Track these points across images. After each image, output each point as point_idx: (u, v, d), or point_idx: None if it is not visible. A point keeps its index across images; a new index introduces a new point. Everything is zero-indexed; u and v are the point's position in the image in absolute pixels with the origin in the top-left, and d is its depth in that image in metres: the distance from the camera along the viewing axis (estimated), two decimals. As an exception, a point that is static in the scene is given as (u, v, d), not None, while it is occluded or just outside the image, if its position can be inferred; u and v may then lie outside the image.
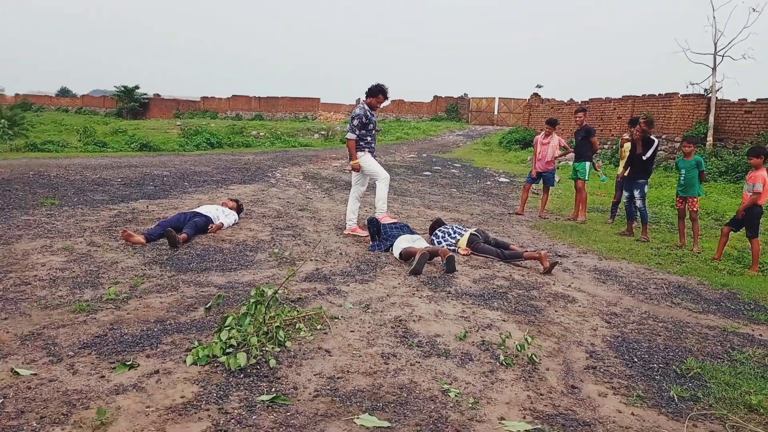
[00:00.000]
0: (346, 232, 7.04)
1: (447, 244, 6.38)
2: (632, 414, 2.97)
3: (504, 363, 3.46)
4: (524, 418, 2.84)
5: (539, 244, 7.35)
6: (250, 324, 3.39)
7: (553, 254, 6.62)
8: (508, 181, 15.80)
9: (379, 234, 6.41)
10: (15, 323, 3.57)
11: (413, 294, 4.76)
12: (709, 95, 18.19)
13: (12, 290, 4.16)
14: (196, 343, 3.37)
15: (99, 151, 14.98)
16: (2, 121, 17.93)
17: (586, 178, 9.76)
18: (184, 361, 3.15)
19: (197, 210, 6.62)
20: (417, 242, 6.05)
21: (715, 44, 18.24)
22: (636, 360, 3.71)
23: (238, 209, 7.26)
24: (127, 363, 3.08)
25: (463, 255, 6.25)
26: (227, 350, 3.23)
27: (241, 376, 3.03)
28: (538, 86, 32.81)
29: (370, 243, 6.43)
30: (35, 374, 2.92)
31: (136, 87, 59.52)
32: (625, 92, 22.66)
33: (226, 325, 3.44)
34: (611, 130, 22.42)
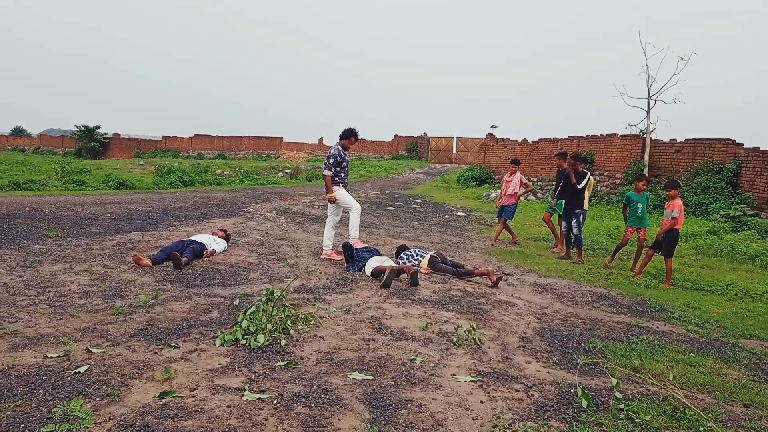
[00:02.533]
0: (323, 256, 8.08)
1: (411, 264, 7.48)
2: (547, 372, 4.10)
3: (456, 344, 4.56)
4: (469, 374, 3.93)
5: (489, 266, 8.52)
6: (263, 316, 4.41)
7: (500, 272, 7.79)
8: (465, 215, 17.09)
9: (353, 257, 7.48)
10: (70, 322, 4.49)
11: (384, 301, 5.83)
12: (644, 136, 20.08)
13: (56, 300, 5.06)
14: (219, 332, 4.35)
15: (79, 189, 15.66)
16: None
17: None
18: (214, 344, 4.14)
19: (192, 238, 7.58)
20: (385, 263, 7.13)
21: (649, 89, 20.18)
22: (556, 342, 4.86)
23: (227, 238, 8.23)
24: (171, 344, 4.06)
25: (425, 273, 7.36)
26: (245, 335, 4.23)
27: (260, 352, 4.04)
28: (493, 126, 34.85)
29: (345, 264, 7.49)
30: (104, 352, 3.86)
31: (97, 127, 59.47)
32: (571, 133, 24.55)
33: (241, 319, 4.44)
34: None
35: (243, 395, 3.29)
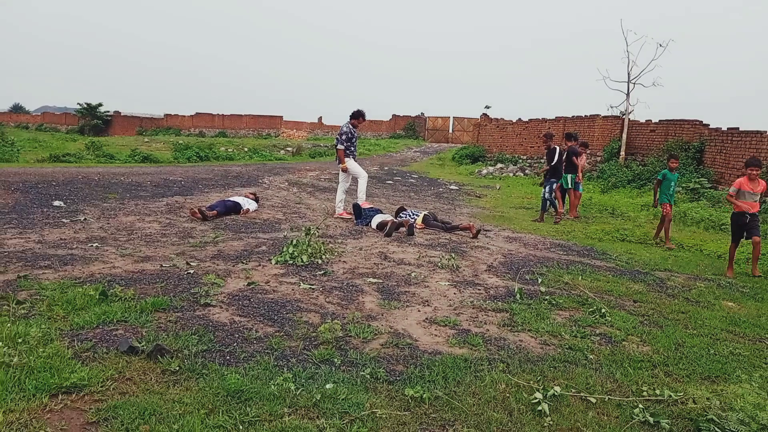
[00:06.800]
0: (335, 215, 9.86)
1: (408, 219, 9.26)
2: (502, 282, 5.92)
3: (440, 266, 6.37)
4: (448, 282, 5.74)
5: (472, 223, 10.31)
6: (304, 244, 6.20)
7: (481, 227, 9.57)
8: (457, 188, 18.86)
9: (361, 215, 9.25)
10: (164, 250, 6.26)
11: (388, 245, 7.63)
12: (624, 117, 21.80)
13: (145, 238, 6.83)
14: (272, 257, 6.13)
15: (110, 162, 17.36)
16: None
17: (568, 186, 12.62)
18: (270, 262, 5.93)
19: (231, 198, 9.34)
20: (387, 218, 8.91)
21: (629, 73, 21.84)
22: (513, 268, 6.67)
23: (256, 199, 9.99)
24: (243, 261, 5.85)
25: (419, 228, 9.14)
26: (292, 257, 6.01)
27: (303, 267, 5.84)
28: (487, 107, 36.45)
29: (355, 221, 9.27)
30: (198, 264, 5.64)
31: (100, 104, 60.50)
32: (559, 113, 26.22)
33: (287, 247, 6.22)
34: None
35: (300, 285, 5.10)
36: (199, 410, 2.77)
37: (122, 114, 63.89)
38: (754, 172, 7.60)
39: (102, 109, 60.56)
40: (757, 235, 7.51)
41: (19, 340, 3.31)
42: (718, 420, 2.95)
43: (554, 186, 11.71)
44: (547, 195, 11.57)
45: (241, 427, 2.67)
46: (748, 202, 7.63)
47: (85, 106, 59.60)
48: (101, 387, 2.94)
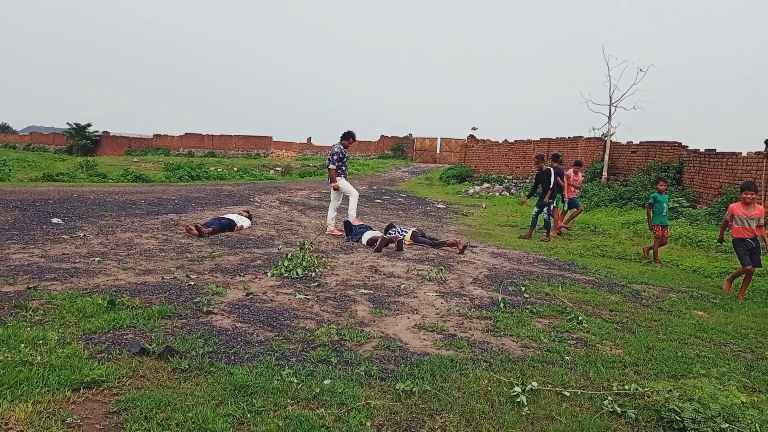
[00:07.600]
0: (327, 232, 10.17)
1: (397, 235, 9.58)
2: (486, 293, 6.24)
3: (428, 279, 6.69)
4: (435, 293, 6.06)
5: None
6: (299, 257, 6.50)
7: (467, 242, 9.93)
8: (445, 207, 19.26)
9: (351, 231, 9.57)
10: (163, 264, 6.53)
11: (378, 259, 7.94)
12: (606, 138, 22.43)
13: (144, 253, 7.10)
14: (268, 270, 6.42)
15: (102, 182, 17.59)
16: None
17: (555, 205, 13.00)
18: (266, 274, 6.22)
19: (225, 216, 9.63)
20: (377, 234, 9.23)
21: (611, 97, 22.54)
22: (497, 280, 7.01)
23: (249, 217, 10.28)
24: (240, 274, 6.13)
25: (407, 244, 9.47)
26: (287, 270, 6.31)
27: (298, 279, 6.13)
28: (474, 128, 37.08)
29: (346, 237, 9.58)
30: (198, 277, 5.91)
31: (89, 124, 60.60)
32: (543, 135, 26.85)
33: (283, 261, 6.52)
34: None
35: (295, 295, 5.40)
36: (209, 401, 3.05)
37: (111, 134, 63.94)
38: (750, 196, 7.51)
39: (91, 129, 60.60)
40: (758, 265, 7.47)
41: (39, 342, 3.58)
42: (677, 409, 3.28)
43: (552, 207, 12.13)
44: (546, 216, 11.97)
45: (249, 415, 2.95)
46: (744, 228, 7.53)
47: (74, 126, 59.68)
48: (118, 383, 3.21)
